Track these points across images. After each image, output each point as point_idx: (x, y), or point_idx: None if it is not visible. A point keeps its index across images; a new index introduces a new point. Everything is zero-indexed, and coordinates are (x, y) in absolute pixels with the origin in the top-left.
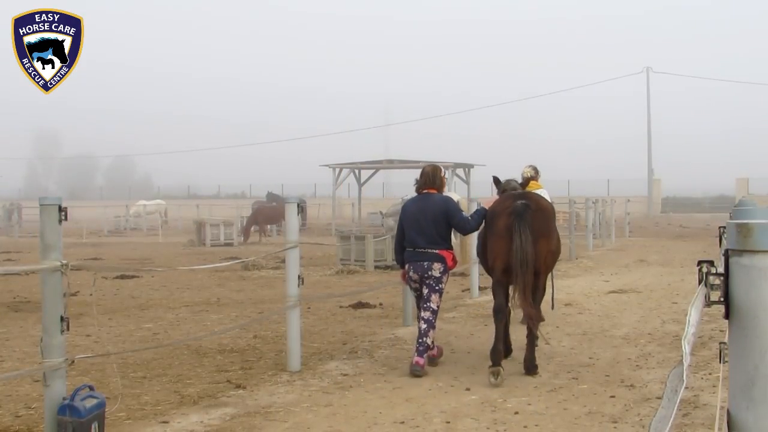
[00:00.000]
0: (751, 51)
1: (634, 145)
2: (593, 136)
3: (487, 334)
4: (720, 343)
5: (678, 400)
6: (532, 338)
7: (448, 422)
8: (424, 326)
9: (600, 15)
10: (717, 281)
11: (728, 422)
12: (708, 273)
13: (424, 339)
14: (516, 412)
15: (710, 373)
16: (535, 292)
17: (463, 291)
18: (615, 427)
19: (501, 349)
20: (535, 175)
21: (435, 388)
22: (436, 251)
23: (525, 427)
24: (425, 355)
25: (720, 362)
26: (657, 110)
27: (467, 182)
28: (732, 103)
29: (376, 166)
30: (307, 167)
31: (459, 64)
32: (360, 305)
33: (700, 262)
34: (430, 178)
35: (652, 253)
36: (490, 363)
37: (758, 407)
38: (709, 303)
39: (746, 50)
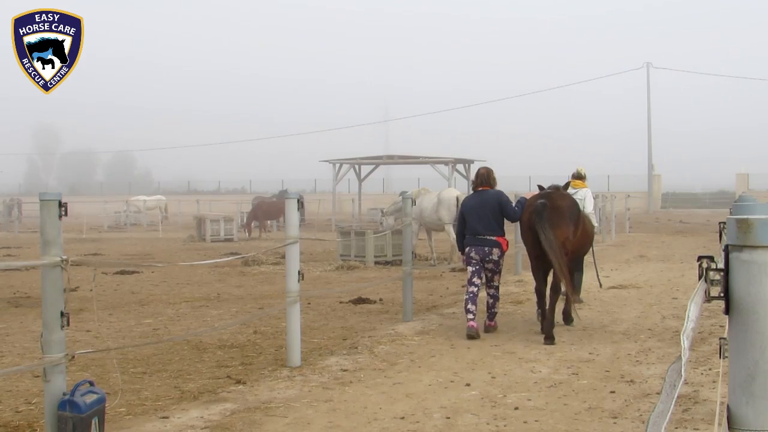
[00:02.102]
0: (752, 47)
1: (634, 141)
2: (593, 131)
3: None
4: (720, 338)
5: (676, 395)
6: (568, 302)
7: (448, 418)
8: (491, 300)
9: (600, 11)
10: (717, 277)
11: (728, 417)
12: (708, 268)
13: (493, 310)
14: (516, 408)
15: (710, 369)
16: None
17: (462, 287)
18: (615, 423)
19: (552, 321)
20: (584, 175)
21: (435, 383)
22: (494, 237)
23: (525, 422)
24: (494, 322)
25: (720, 358)
26: (657, 106)
27: (467, 178)
28: (732, 99)
29: (376, 161)
30: (307, 162)
31: (459, 60)
32: (360, 301)
33: (700, 258)
34: (485, 177)
35: (652, 249)
36: (544, 336)
37: (758, 402)
38: (709, 298)
39: (747, 46)
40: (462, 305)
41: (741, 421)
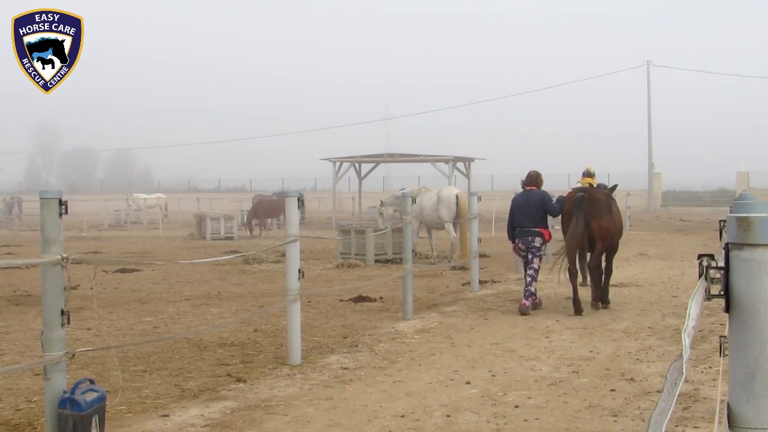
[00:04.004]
0: (753, 45)
1: (635, 139)
2: (594, 129)
3: (488, 328)
4: (720, 336)
5: (677, 393)
6: (606, 283)
7: (449, 416)
8: (529, 279)
9: (601, 9)
10: (717, 275)
11: (728, 415)
12: (708, 266)
13: (530, 288)
14: (516, 406)
15: (710, 367)
16: (605, 254)
17: (463, 285)
18: (615, 421)
19: (579, 299)
20: (593, 173)
21: (435, 381)
22: (537, 229)
23: (525, 420)
24: (530, 300)
25: (720, 356)
26: (657, 104)
27: (467, 176)
28: (733, 97)
29: (377, 159)
30: (307, 161)
31: (460, 57)
32: (360, 299)
33: (700, 256)
34: (533, 178)
35: (652, 247)
36: (574, 310)
37: (758, 401)
38: (709, 296)
39: (747, 45)
40: (462, 303)
41: (741, 419)
